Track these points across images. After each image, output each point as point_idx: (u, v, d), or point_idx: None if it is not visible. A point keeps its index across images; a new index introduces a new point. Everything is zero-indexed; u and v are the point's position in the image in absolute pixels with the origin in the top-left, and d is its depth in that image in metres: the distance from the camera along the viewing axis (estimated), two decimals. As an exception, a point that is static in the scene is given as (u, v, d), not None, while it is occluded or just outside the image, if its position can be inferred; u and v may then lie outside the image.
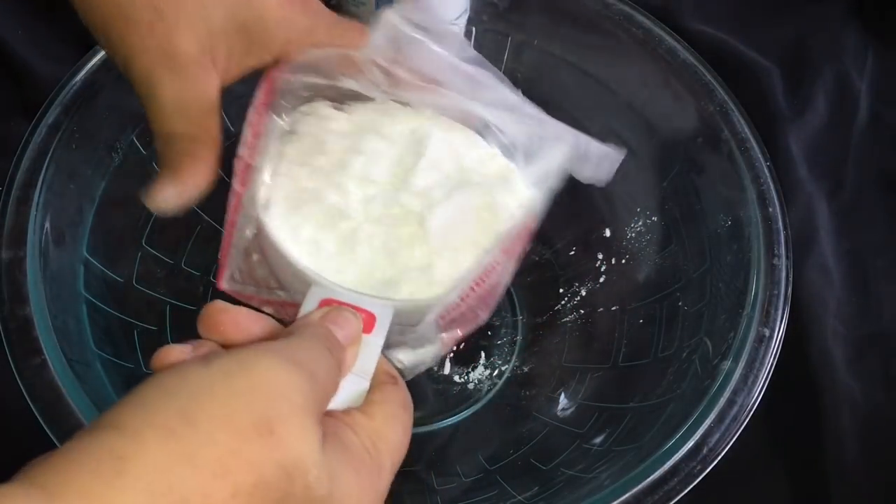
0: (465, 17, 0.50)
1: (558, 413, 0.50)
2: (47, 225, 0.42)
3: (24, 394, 0.37)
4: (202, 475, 0.22)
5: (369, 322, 0.32)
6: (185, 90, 0.32)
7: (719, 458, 0.38)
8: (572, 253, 0.55)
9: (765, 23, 0.66)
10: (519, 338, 0.54)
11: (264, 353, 0.26)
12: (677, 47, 0.48)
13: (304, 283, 0.35)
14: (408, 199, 0.36)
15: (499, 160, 0.39)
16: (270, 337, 0.30)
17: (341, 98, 0.39)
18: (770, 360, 0.40)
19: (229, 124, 0.51)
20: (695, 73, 0.48)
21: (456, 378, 0.53)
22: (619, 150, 0.38)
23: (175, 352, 0.28)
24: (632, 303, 0.51)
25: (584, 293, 0.54)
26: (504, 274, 0.37)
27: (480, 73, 0.36)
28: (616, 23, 0.49)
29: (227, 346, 0.29)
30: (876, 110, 0.63)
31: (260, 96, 0.35)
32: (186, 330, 0.48)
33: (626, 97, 0.50)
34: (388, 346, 0.33)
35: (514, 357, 0.54)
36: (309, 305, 0.32)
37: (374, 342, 0.32)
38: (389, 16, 0.34)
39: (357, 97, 0.39)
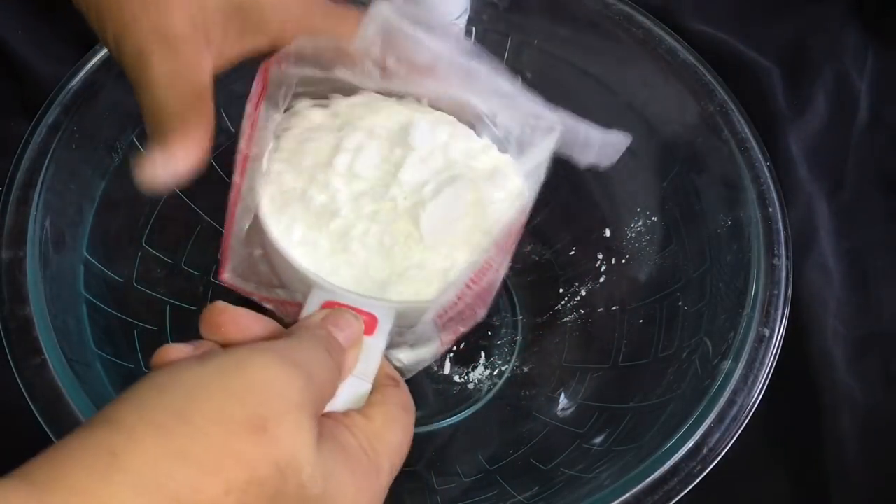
0: (465, 16, 0.50)
1: (558, 413, 0.50)
2: (47, 225, 0.42)
3: (24, 394, 0.37)
4: (194, 471, 0.22)
5: (371, 324, 0.32)
6: (177, 68, 0.31)
7: (719, 458, 0.38)
8: (572, 253, 0.55)
9: (765, 23, 0.66)
10: (519, 338, 0.54)
11: (261, 351, 0.26)
12: (677, 47, 0.48)
13: (305, 284, 0.35)
14: (398, 194, 0.36)
15: (490, 152, 0.39)
16: (271, 338, 0.30)
17: (335, 92, 0.39)
18: (770, 360, 0.40)
19: (229, 124, 0.51)
20: (695, 73, 0.48)
21: (456, 378, 0.53)
22: (624, 135, 0.37)
23: (175, 351, 0.28)
24: (632, 303, 0.51)
25: (584, 293, 0.54)
26: (499, 270, 0.37)
27: (474, 63, 0.36)
28: (616, 23, 0.49)
29: (227, 346, 0.29)
30: (876, 110, 0.63)
31: (256, 88, 0.35)
32: (186, 330, 0.48)
33: (626, 97, 0.50)
34: (387, 345, 0.33)
35: (514, 357, 0.54)
36: (311, 307, 0.32)
37: (375, 344, 0.32)
38: (381, 8, 0.34)
39: (350, 91, 0.39)
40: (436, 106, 0.39)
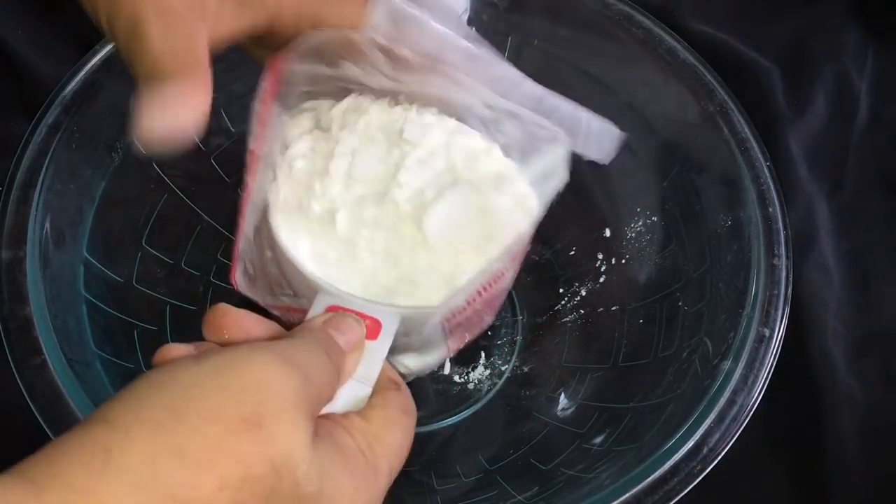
0: (466, 16, 0.50)
1: (558, 413, 0.50)
2: (47, 225, 0.42)
3: (24, 394, 0.37)
4: (189, 468, 0.22)
5: (374, 329, 0.32)
6: (173, 33, 0.29)
7: (719, 458, 0.38)
8: (572, 253, 0.55)
9: (765, 23, 0.66)
10: (519, 338, 0.54)
11: (258, 350, 0.26)
12: (677, 47, 0.48)
13: (312, 289, 0.35)
14: (399, 197, 0.36)
15: (494, 154, 0.39)
16: (274, 340, 0.30)
17: (343, 91, 0.39)
18: (770, 360, 0.40)
19: (229, 124, 0.51)
20: (695, 73, 0.48)
21: (456, 378, 0.53)
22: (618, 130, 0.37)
23: (176, 350, 0.28)
24: (632, 303, 0.51)
25: (584, 293, 0.54)
26: (509, 278, 0.37)
27: (479, 49, 0.35)
28: (616, 23, 0.49)
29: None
30: (876, 110, 0.63)
31: (265, 87, 0.35)
32: (186, 330, 0.48)
33: (626, 97, 0.50)
34: (393, 350, 0.33)
35: (514, 357, 0.54)
36: (316, 311, 0.33)
37: (378, 349, 0.32)
38: None
39: (355, 88, 0.39)
40: (441, 105, 0.39)
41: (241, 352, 0.26)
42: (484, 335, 0.53)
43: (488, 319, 0.41)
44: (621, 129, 0.51)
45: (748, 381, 0.40)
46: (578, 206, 0.54)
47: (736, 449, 0.38)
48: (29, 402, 0.36)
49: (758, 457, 0.50)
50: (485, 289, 0.35)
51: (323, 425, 0.27)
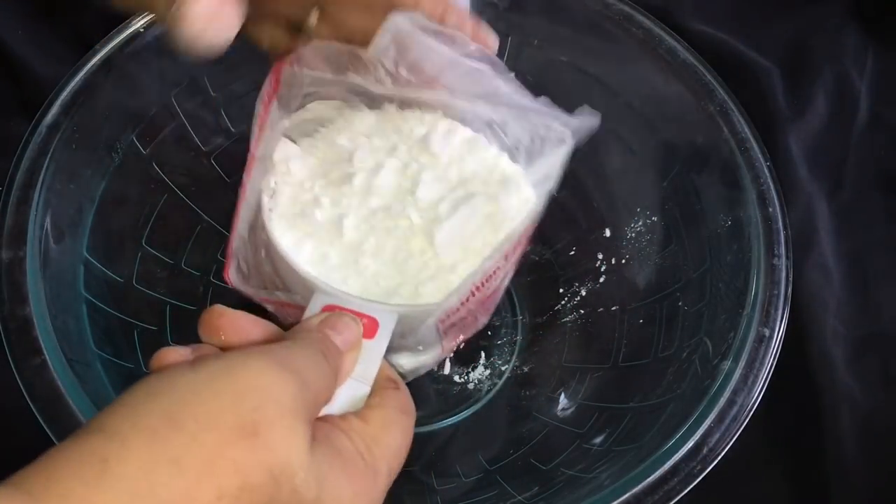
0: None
1: (558, 413, 0.50)
2: (47, 225, 0.42)
3: (24, 394, 0.37)
4: (186, 477, 0.22)
5: (372, 327, 0.32)
6: None
7: (719, 458, 0.38)
8: (572, 253, 0.55)
9: (765, 23, 0.66)
10: (519, 338, 0.54)
11: (254, 356, 0.26)
12: (677, 47, 0.48)
13: (308, 288, 0.35)
14: (413, 212, 0.36)
15: (502, 162, 0.39)
16: (270, 341, 0.30)
17: (345, 97, 0.39)
18: (770, 360, 0.40)
19: (229, 124, 0.51)
20: (695, 73, 0.48)
21: (456, 378, 0.53)
22: (593, 115, 0.37)
23: (173, 354, 0.28)
24: (632, 303, 0.51)
25: (584, 293, 0.54)
26: (504, 278, 0.37)
27: (482, 66, 0.36)
28: (616, 23, 0.49)
29: (226, 350, 0.29)
30: (876, 110, 0.63)
31: (267, 88, 0.35)
32: (186, 330, 0.48)
33: (626, 97, 0.50)
34: (388, 350, 0.33)
35: (514, 357, 0.54)
36: (312, 311, 0.33)
37: (375, 347, 0.32)
38: (396, 19, 0.34)
39: (361, 93, 0.39)
40: (447, 114, 0.39)
41: (237, 358, 0.25)
42: (484, 335, 0.53)
43: (483, 320, 0.41)
44: (621, 128, 0.51)
45: (748, 381, 0.40)
46: (578, 206, 0.54)
47: (736, 449, 0.38)
48: (29, 402, 0.36)
49: (758, 457, 0.50)
50: (478, 288, 0.35)
51: (321, 429, 0.27)
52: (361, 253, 0.35)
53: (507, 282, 0.38)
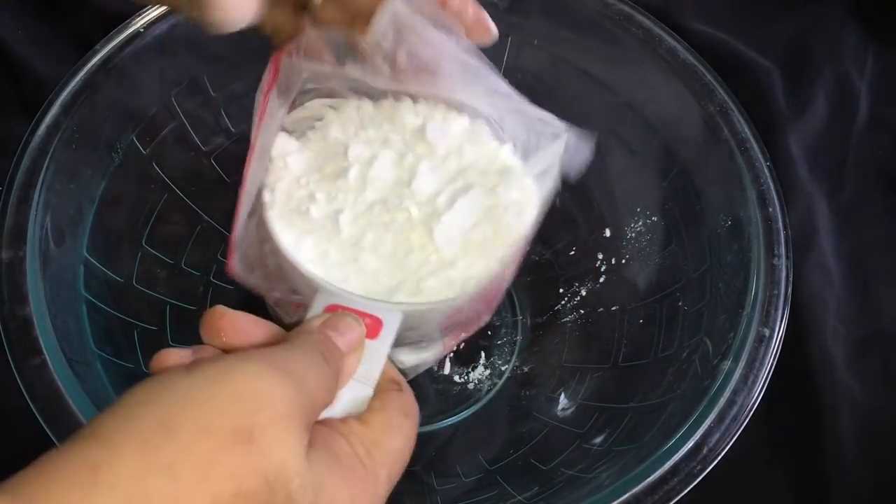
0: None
1: (558, 413, 0.50)
2: (47, 225, 0.42)
3: (24, 394, 0.37)
4: (180, 484, 0.22)
5: (375, 327, 0.31)
6: None
7: (719, 458, 0.38)
8: (572, 253, 0.55)
9: (765, 23, 0.66)
10: (519, 338, 0.54)
11: (250, 359, 0.25)
12: (677, 47, 0.48)
13: (311, 287, 0.34)
14: (411, 204, 0.36)
15: (502, 153, 0.39)
16: (272, 342, 0.29)
17: (342, 91, 0.39)
18: (770, 360, 0.40)
19: (229, 124, 0.51)
20: (695, 73, 0.48)
21: (456, 378, 0.53)
22: (590, 138, 0.37)
23: (173, 355, 0.27)
24: (632, 303, 0.51)
25: (584, 293, 0.54)
26: (508, 278, 0.37)
27: (477, 63, 0.36)
28: (616, 23, 0.49)
29: (228, 351, 0.29)
30: (876, 110, 0.63)
31: (266, 77, 0.35)
32: (186, 330, 0.48)
33: (626, 97, 0.50)
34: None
35: (514, 357, 0.54)
36: (315, 311, 0.32)
37: (379, 348, 0.31)
38: (394, 2, 0.33)
39: (360, 88, 0.39)
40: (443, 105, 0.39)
41: (233, 361, 0.25)
42: (484, 335, 0.53)
43: (485, 318, 0.41)
44: (621, 128, 0.51)
45: (748, 381, 0.40)
46: (578, 206, 0.54)
47: (736, 449, 0.38)
48: (29, 402, 0.36)
49: (758, 457, 0.50)
50: (493, 295, 0.35)
51: (319, 433, 0.26)
52: (361, 249, 0.35)
53: (509, 280, 0.38)
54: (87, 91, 0.44)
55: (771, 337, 0.41)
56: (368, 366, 0.30)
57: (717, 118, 0.47)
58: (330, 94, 0.39)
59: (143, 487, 0.21)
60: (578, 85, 0.51)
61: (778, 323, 0.41)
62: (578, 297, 0.54)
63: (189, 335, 0.48)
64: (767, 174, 0.45)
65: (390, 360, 0.32)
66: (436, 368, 0.52)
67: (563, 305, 0.54)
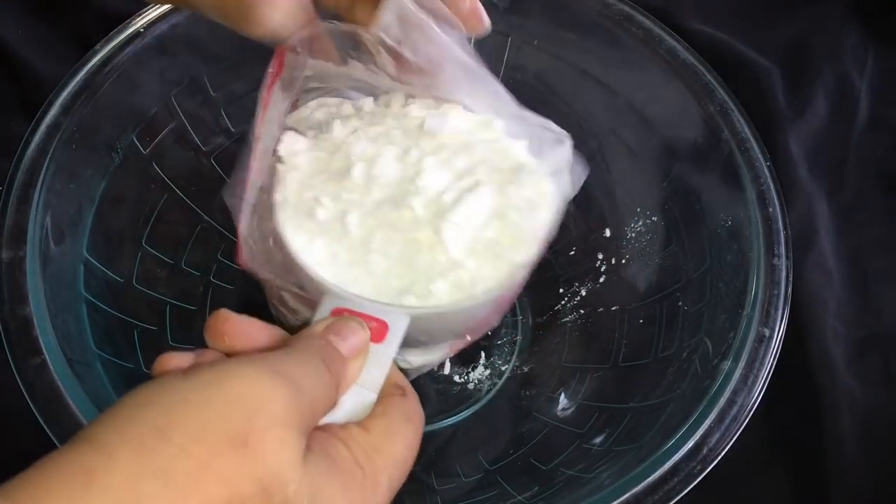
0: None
1: (558, 413, 0.50)
2: (47, 225, 0.42)
3: (24, 394, 0.37)
4: (173, 490, 0.21)
5: (381, 331, 0.31)
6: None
7: (719, 458, 0.38)
8: (572, 253, 0.55)
9: (765, 23, 0.66)
10: (519, 338, 0.54)
11: (248, 364, 0.25)
12: (677, 47, 0.48)
13: (318, 288, 0.34)
14: (417, 203, 0.35)
15: (515, 150, 0.38)
16: (276, 346, 0.29)
17: (345, 90, 0.39)
18: (770, 360, 0.40)
19: (229, 124, 0.51)
20: (695, 73, 0.48)
21: (456, 378, 0.53)
22: (585, 165, 0.38)
23: (174, 359, 0.27)
24: (632, 303, 0.51)
25: (584, 293, 0.54)
26: (522, 281, 0.37)
27: (477, 66, 0.36)
28: (616, 23, 0.49)
29: (231, 355, 0.28)
30: (876, 110, 0.63)
31: (270, 71, 0.35)
32: (186, 330, 0.48)
33: (626, 97, 0.50)
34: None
35: (514, 357, 0.54)
36: (321, 314, 0.32)
37: (384, 352, 0.31)
38: None
39: (361, 88, 0.38)
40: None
41: (230, 365, 0.25)
42: (484, 335, 0.53)
43: (495, 322, 0.41)
44: (621, 128, 0.51)
45: (748, 381, 0.40)
46: (578, 206, 0.54)
47: (736, 449, 0.38)
48: (29, 402, 0.36)
49: (758, 457, 0.50)
50: (503, 297, 0.34)
51: (317, 438, 0.26)
52: (370, 250, 0.35)
53: (521, 284, 0.38)
54: (87, 91, 0.44)
55: (771, 337, 0.41)
56: (373, 371, 0.30)
57: (717, 118, 0.47)
58: (333, 94, 0.39)
59: (137, 492, 0.21)
60: (578, 85, 0.51)
61: (778, 323, 0.41)
62: (578, 297, 0.54)
63: (189, 335, 0.48)
64: (767, 174, 0.45)
65: (395, 363, 0.31)
66: (436, 368, 0.52)
67: (563, 305, 0.54)
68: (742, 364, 0.40)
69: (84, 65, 0.45)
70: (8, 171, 0.42)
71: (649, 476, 0.37)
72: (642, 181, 0.51)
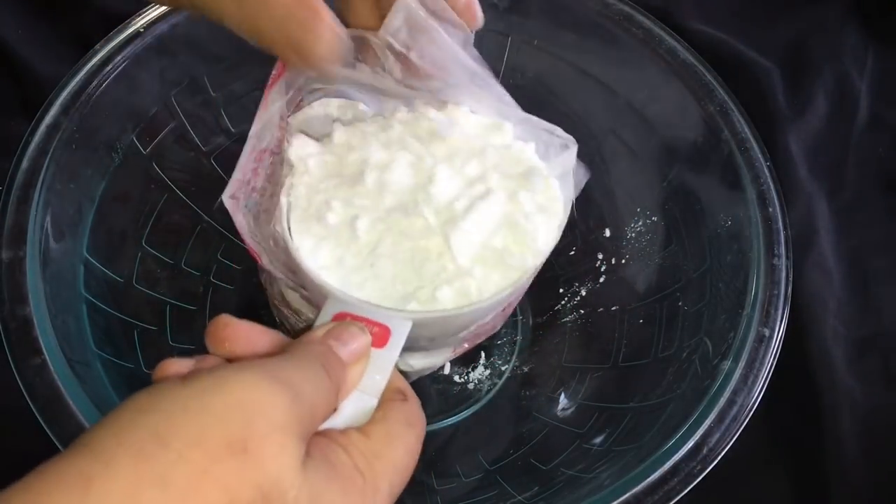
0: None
1: (558, 413, 0.50)
2: (47, 225, 0.42)
3: (24, 394, 0.37)
4: (173, 496, 0.21)
5: (383, 336, 0.31)
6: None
7: (719, 458, 0.38)
8: (572, 253, 0.55)
9: (765, 23, 0.66)
10: (519, 338, 0.54)
11: (246, 369, 0.25)
12: (677, 47, 0.48)
13: (321, 292, 0.34)
14: (429, 211, 0.35)
15: (526, 154, 0.38)
16: (277, 351, 0.29)
17: (349, 92, 0.39)
18: (770, 360, 0.40)
19: (229, 124, 0.51)
20: (695, 73, 0.48)
21: (456, 378, 0.53)
22: (587, 169, 0.38)
23: (174, 365, 0.27)
24: (632, 303, 0.51)
25: (584, 293, 0.54)
26: (525, 286, 0.37)
27: (482, 70, 0.36)
28: (616, 23, 0.49)
29: (232, 361, 0.28)
30: (876, 110, 0.63)
31: (274, 71, 0.35)
32: (186, 330, 0.48)
33: (626, 97, 0.50)
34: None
35: (514, 357, 0.54)
36: (324, 318, 0.32)
37: (386, 357, 0.30)
38: (408, 0, 0.33)
39: (369, 94, 0.38)
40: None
41: (229, 371, 0.25)
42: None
43: (498, 325, 0.41)
44: (621, 128, 0.51)
45: (748, 381, 0.40)
46: (578, 206, 0.54)
47: (736, 449, 0.38)
48: (29, 402, 0.36)
49: (758, 457, 0.50)
50: (510, 303, 0.34)
51: (317, 444, 0.26)
52: (377, 256, 0.34)
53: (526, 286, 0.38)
54: (87, 91, 0.44)
55: (771, 337, 0.41)
56: (374, 376, 0.30)
57: (717, 118, 0.47)
58: (337, 95, 0.39)
59: (135, 499, 0.21)
60: (578, 85, 0.51)
61: (778, 323, 0.41)
62: (578, 297, 0.54)
63: (189, 335, 0.48)
64: (767, 174, 0.45)
65: (397, 367, 0.31)
66: (436, 369, 0.52)
67: (563, 305, 0.54)
68: (742, 364, 0.40)
69: (84, 65, 0.45)
70: (8, 171, 0.42)
71: (649, 476, 0.37)
72: (642, 181, 0.51)
